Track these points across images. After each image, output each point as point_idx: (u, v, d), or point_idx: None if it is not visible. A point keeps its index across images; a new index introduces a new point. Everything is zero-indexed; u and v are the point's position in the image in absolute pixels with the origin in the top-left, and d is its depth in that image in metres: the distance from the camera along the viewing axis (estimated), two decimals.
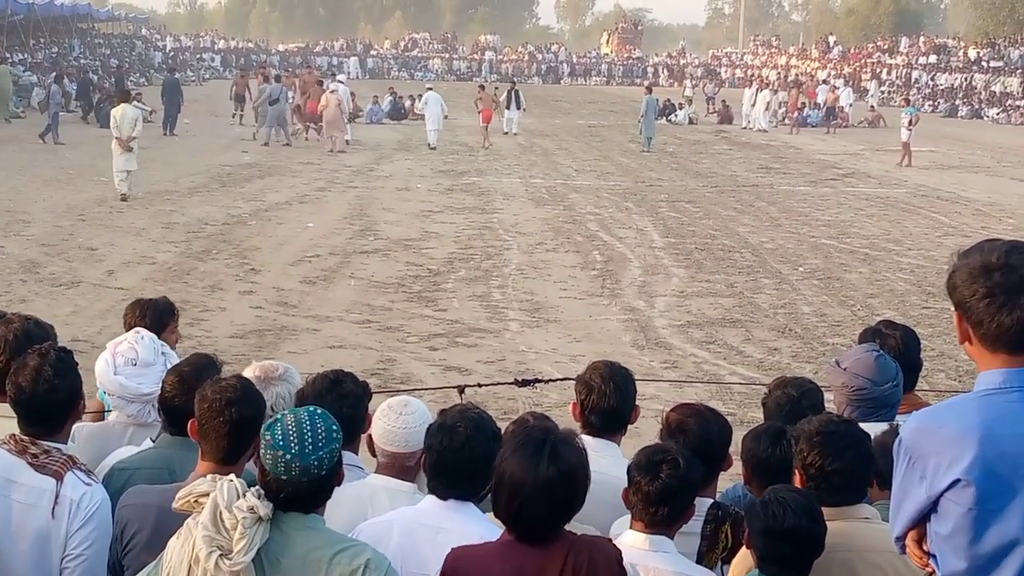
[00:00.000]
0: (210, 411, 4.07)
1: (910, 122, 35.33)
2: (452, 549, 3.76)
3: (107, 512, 4.27)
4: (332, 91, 35.73)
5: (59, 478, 4.20)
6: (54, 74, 42.49)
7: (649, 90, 39.59)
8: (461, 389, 6.25)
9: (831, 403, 5.07)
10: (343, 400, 4.61)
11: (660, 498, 4.07)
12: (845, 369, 5.00)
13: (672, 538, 4.13)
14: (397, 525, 4.05)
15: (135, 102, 27.02)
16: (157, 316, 6.02)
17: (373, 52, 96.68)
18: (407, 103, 49.88)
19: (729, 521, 4.41)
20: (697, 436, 4.46)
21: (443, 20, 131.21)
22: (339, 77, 44.62)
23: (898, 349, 5.28)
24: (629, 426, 4.97)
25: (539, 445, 3.61)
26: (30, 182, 25.14)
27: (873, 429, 4.41)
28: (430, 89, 39.36)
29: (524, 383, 6.80)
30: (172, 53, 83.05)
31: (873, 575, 4.01)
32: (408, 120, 48.10)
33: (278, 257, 17.98)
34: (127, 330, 5.52)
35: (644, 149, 36.92)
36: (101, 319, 13.73)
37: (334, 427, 3.63)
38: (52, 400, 4.25)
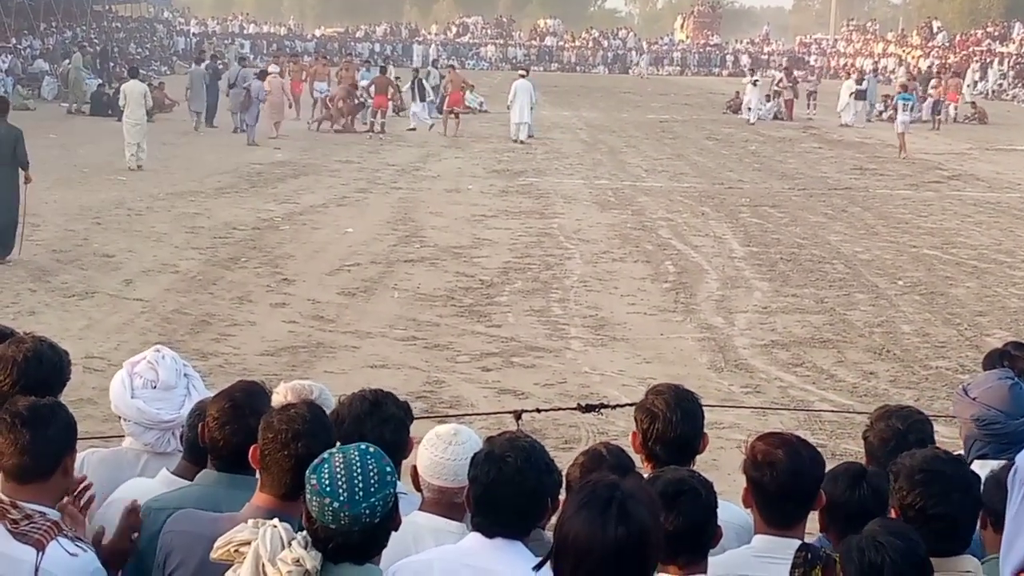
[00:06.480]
0: (275, 442, 4.03)
1: (907, 109, 35.86)
2: None
3: None
4: (274, 74, 38.00)
5: (40, 548, 3.98)
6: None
7: (526, 72, 41.00)
8: (518, 415, 6.25)
9: (938, 435, 4.98)
10: (384, 425, 4.61)
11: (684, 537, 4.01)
12: (975, 399, 4.87)
13: (705, 571, 4.10)
14: (438, 564, 4.03)
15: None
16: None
17: (419, 38, 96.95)
18: None
19: (819, 564, 4.35)
20: (787, 470, 4.36)
21: (497, 3, 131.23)
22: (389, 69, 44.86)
23: None
24: (698, 456, 4.92)
25: (605, 503, 3.46)
26: (40, 181, 25.18)
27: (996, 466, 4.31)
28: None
29: (588, 409, 6.78)
30: (197, 39, 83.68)
31: None
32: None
33: (313, 266, 18.06)
34: None
35: (515, 139, 37.00)
36: (118, 333, 13.85)
37: (388, 468, 3.60)
38: (41, 446, 4.09)
